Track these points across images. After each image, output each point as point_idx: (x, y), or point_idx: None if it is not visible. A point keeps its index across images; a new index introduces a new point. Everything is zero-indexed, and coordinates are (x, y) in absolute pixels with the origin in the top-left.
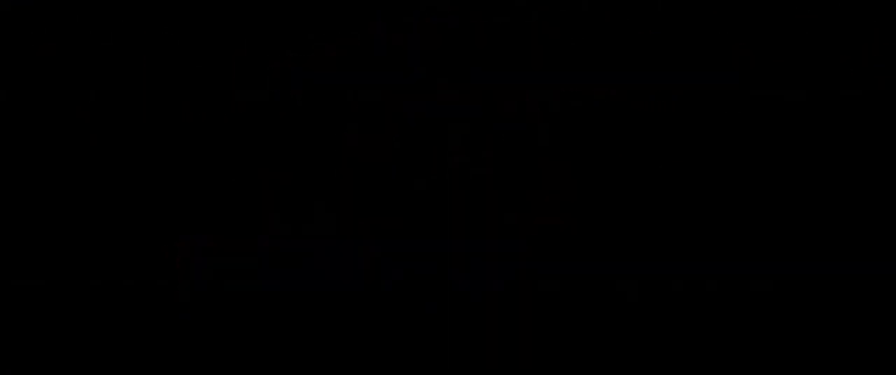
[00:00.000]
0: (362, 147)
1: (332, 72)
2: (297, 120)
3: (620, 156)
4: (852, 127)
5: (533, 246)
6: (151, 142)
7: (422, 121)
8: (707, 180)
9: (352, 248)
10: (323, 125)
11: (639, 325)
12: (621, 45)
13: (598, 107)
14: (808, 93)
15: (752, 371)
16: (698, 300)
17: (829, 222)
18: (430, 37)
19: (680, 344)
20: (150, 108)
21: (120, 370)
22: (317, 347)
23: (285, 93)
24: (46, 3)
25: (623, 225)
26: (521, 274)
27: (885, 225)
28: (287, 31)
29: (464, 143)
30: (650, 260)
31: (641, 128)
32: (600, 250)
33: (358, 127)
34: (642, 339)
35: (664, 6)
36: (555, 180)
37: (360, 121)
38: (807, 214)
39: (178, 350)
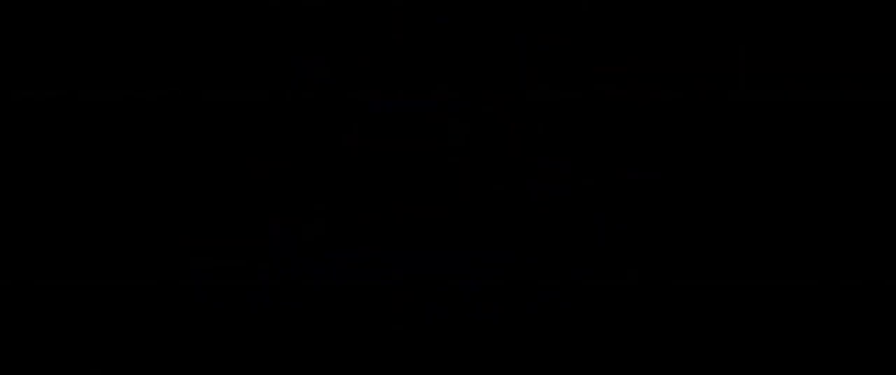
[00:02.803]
0: (362, 147)
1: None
2: (296, 120)
3: (621, 157)
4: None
5: (533, 248)
6: (152, 143)
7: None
8: (712, 184)
9: (351, 248)
10: (322, 125)
11: (639, 331)
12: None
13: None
14: (817, 94)
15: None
16: (703, 308)
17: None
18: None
19: (685, 350)
20: (149, 109)
21: (121, 368)
22: (317, 346)
23: (285, 93)
24: (48, 2)
25: (623, 229)
26: (521, 277)
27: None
28: (285, 31)
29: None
30: (652, 266)
31: (643, 130)
32: (603, 254)
33: (358, 127)
34: (642, 344)
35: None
36: (555, 180)
37: (361, 121)
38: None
39: (177, 348)
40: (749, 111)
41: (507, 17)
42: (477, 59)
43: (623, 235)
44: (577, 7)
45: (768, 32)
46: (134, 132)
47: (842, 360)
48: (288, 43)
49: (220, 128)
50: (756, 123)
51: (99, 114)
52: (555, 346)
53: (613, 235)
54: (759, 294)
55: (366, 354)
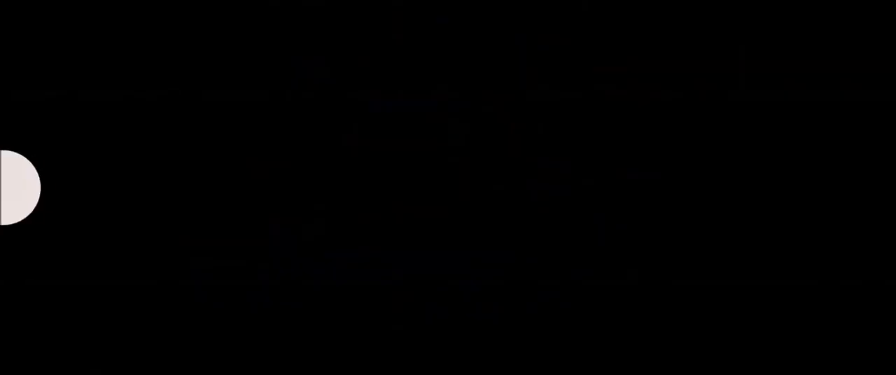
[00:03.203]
0: (362, 147)
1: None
2: (296, 120)
3: (621, 157)
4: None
5: (532, 248)
6: (152, 143)
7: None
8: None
9: (351, 248)
10: (322, 125)
11: (639, 331)
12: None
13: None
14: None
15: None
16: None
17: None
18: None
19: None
20: (149, 109)
21: (121, 368)
22: (317, 346)
23: (285, 93)
24: (48, 2)
25: (622, 228)
26: (521, 277)
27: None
28: (285, 31)
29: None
30: (650, 267)
31: (643, 130)
32: (601, 254)
33: (358, 127)
34: (643, 344)
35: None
36: (555, 180)
37: (361, 121)
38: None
39: (177, 348)
40: (749, 111)
41: (507, 17)
42: (477, 59)
43: (623, 235)
44: (577, 7)
45: (768, 32)
46: (134, 132)
47: (842, 360)
48: (288, 43)
49: (220, 128)
50: (756, 123)
51: (99, 114)
52: (555, 346)
53: (613, 235)
54: (759, 294)
55: (366, 354)
